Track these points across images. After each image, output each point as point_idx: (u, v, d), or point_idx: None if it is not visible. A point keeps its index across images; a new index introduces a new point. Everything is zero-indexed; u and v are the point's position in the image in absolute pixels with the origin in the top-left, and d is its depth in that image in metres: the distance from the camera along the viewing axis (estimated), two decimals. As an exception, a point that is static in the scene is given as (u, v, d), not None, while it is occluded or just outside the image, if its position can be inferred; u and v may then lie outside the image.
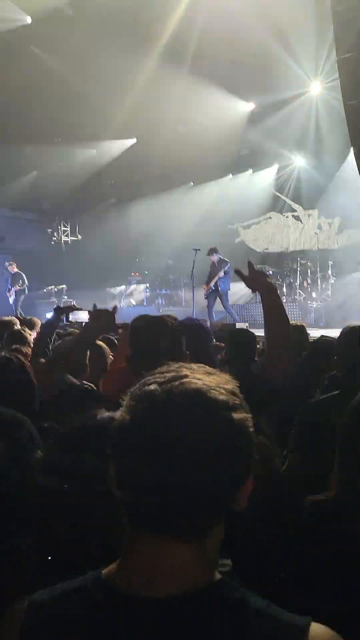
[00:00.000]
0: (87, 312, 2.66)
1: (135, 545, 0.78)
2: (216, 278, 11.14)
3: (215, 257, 11.37)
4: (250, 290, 2.34)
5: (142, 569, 0.77)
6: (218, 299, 11.40)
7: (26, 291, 13.76)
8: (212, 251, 11.44)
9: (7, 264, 14.18)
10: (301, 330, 4.33)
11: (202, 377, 0.80)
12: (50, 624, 0.78)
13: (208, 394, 0.77)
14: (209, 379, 0.80)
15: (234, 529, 0.89)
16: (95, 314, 2.60)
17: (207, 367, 0.86)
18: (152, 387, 0.79)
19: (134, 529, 0.79)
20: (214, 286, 11.22)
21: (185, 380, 0.79)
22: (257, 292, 2.33)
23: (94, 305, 2.65)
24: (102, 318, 2.57)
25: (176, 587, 0.75)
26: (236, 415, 0.78)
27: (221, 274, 11.07)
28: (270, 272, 13.19)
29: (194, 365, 0.84)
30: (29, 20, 10.00)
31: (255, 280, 2.26)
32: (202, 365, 0.86)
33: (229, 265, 10.99)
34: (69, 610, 0.78)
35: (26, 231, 16.98)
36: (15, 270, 13.86)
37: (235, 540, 1.03)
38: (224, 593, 0.78)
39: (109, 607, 0.76)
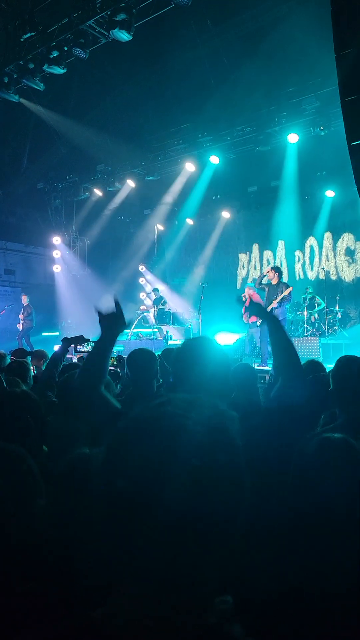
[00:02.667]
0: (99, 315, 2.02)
1: (119, 593, 0.78)
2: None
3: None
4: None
5: (127, 614, 0.75)
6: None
7: (33, 324, 13.78)
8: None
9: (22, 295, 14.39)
10: None
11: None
12: None
13: None
14: None
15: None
16: (112, 317, 2.02)
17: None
18: None
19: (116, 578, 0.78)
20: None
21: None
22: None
23: (99, 313, 2.03)
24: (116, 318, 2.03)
25: (164, 634, 0.73)
26: None
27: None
28: None
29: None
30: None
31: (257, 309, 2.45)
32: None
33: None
34: None
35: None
36: (27, 302, 14.02)
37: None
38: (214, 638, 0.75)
39: None
